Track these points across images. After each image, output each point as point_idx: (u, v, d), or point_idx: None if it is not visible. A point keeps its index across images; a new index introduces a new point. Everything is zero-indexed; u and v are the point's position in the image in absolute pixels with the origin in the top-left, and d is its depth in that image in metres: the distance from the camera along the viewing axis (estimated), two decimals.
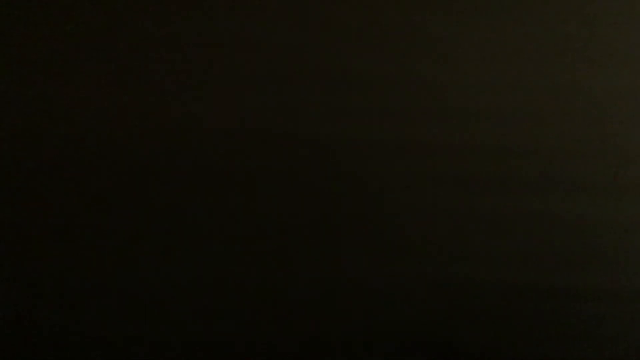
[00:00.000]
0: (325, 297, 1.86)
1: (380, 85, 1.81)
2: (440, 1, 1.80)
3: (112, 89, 1.81)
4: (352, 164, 1.83)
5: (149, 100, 1.81)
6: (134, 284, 1.86)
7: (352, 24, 1.80)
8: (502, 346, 1.88)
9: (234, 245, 1.85)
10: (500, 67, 1.81)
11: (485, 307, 1.87)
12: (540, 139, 1.83)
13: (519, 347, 1.88)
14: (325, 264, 1.85)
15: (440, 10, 1.80)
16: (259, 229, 1.85)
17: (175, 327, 1.87)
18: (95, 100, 1.81)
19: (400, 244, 1.85)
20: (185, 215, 1.85)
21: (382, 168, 1.83)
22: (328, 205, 1.84)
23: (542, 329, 1.87)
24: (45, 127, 1.82)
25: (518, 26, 1.80)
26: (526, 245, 1.85)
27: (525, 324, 1.87)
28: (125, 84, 1.81)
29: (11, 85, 1.79)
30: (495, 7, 1.80)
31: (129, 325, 1.87)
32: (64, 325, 1.87)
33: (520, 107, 1.82)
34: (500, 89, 1.81)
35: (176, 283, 1.86)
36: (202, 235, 1.85)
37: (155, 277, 1.86)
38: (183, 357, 1.89)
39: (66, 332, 1.87)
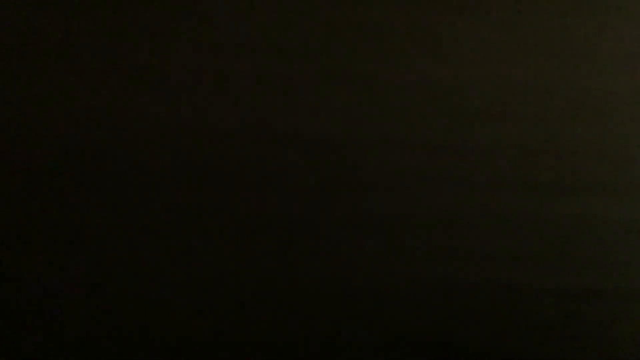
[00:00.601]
0: (325, 297, 1.87)
1: (380, 85, 1.81)
2: (441, 1, 1.80)
3: (112, 89, 1.81)
4: (351, 164, 1.83)
5: (149, 100, 1.81)
6: (134, 284, 1.86)
7: (352, 24, 1.80)
8: (502, 346, 1.88)
9: (235, 245, 1.85)
10: (501, 67, 1.81)
11: (485, 307, 1.87)
12: (540, 139, 1.83)
13: (519, 347, 1.88)
14: (325, 264, 1.85)
15: (441, 10, 1.80)
16: (259, 228, 1.85)
17: (175, 327, 1.87)
18: (94, 100, 1.81)
19: (400, 244, 1.85)
20: (185, 215, 1.85)
21: (382, 167, 1.83)
22: (328, 205, 1.84)
23: (541, 329, 1.87)
24: (45, 127, 1.82)
25: (518, 26, 1.80)
26: (526, 245, 1.85)
27: (525, 324, 1.87)
28: (125, 84, 1.81)
29: (11, 85, 1.79)
30: (496, 7, 1.80)
31: (129, 325, 1.87)
32: (64, 326, 1.87)
33: (520, 107, 1.82)
34: (500, 89, 1.81)
35: (176, 283, 1.86)
36: (203, 235, 1.85)
37: (155, 278, 1.86)
38: (183, 357, 1.89)
39: (66, 332, 1.87)
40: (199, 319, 1.88)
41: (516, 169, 1.83)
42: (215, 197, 1.84)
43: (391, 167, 1.83)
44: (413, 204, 1.84)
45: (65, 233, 1.85)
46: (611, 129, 1.82)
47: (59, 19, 1.79)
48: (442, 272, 1.85)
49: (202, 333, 1.89)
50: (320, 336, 1.88)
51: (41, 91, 1.80)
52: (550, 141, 1.83)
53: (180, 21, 1.80)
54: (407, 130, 1.82)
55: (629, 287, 1.86)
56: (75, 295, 1.87)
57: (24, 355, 1.88)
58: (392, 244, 1.85)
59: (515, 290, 1.86)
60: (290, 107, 1.82)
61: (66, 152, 1.82)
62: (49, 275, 1.86)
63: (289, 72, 1.81)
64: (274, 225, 1.85)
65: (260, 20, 1.80)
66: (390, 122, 1.82)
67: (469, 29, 1.80)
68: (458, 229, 1.84)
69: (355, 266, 1.85)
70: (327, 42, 1.81)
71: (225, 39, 1.81)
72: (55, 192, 1.83)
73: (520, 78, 1.82)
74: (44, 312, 1.87)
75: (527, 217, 1.84)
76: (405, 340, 1.87)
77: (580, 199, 1.84)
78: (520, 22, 1.80)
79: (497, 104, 1.82)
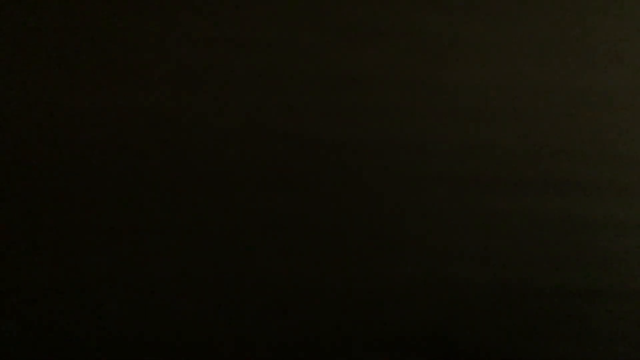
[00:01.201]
0: (325, 297, 1.87)
1: (380, 85, 1.81)
2: (441, 1, 1.80)
3: (113, 89, 1.81)
4: (351, 164, 1.83)
5: (149, 100, 1.81)
6: (135, 284, 1.86)
7: (352, 24, 1.80)
8: (502, 346, 1.88)
9: (235, 244, 1.86)
10: (501, 67, 1.81)
11: (485, 306, 1.87)
12: (540, 139, 1.83)
13: (519, 347, 1.88)
14: (325, 264, 1.86)
15: (441, 10, 1.80)
16: (259, 228, 1.85)
17: (176, 327, 1.87)
18: (95, 100, 1.81)
19: (400, 244, 1.85)
20: (184, 215, 1.85)
21: (382, 168, 1.83)
22: (328, 205, 1.84)
23: (542, 329, 1.87)
24: (45, 127, 1.82)
25: (518, 26, 1.80)
26: (526, 245, 1.85)
27: (525, 324, 1.87)
28: (125, 84, 1.81)
29: (11, 85, 1.79)
30: (496, 7, 1.80)
31: (129, 325, 1.87)
32: (64, 326, 1.87)
33: (520, 107, 1.82)
34: (500, 89, 1.81)
35: (177, 283, 1.87)
36: (204, 235, 1.85)
37: (156, 278, 1.86)
38: (183, 357, 1.89)
39: (66, 333, 1.87)
40: (198, 319, 1.88)
41: (516, 169, 1.83)
42: (215, 197, 1.84)
43: (391, 166, 1.83)
44: (413, 204, 1.84)
45: (65, 233, 1.85)
46: (611, 129, 1.82)
47: (58, 18, 1.79)
48: (442, 272, 1.85)
49: (202, 333, 1.89)
50: (320, 336, 1.88)
51: (37, 90, 1.81)
52: (550, 141, 1.83)
53: (179, 18, 1.80)
54: (407, 130, 1.82)
55: (629, 287, 1.86)
56: (75, 295, 1.87)
57: (24, 355, 1.88)
58: (392, 243, 1.85)
59: (515, 290, 1.86)
60: (290, 107, 1.82)
61: (66, 152, 1.82)
62: (49, 275, 1.86)
63: (289, 72, 1.81)
64: (273, 225, 1.85)
65: (260, 20, 1.80)
66: (391, 122, 1.82)
67: (469, 29, 1.80)
68: (458, 229, 1.84)
69: (355, 266, 1.86)
70: (327, 42, 1.81)
71: (225, 38, 1.81)
72: (55, 192, 1.84)
73: (520, 78, 1.82)
74: (44, 312, 1.87)
75: (527, 217, 1.84)
76: (405, 340, 1.88)
77: (580, 199, 1.84)
78: (520, 22, 1.80)
79: (497, 104, 1.82)
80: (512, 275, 1.86)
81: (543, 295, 1.87)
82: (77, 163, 1.83)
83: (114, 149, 1.82)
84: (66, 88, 1.81)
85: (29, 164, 1.83)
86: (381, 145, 1.83)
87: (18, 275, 1.86)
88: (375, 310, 1.87)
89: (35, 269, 1.86)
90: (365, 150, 1.83)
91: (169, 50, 1.80)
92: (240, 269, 1.86)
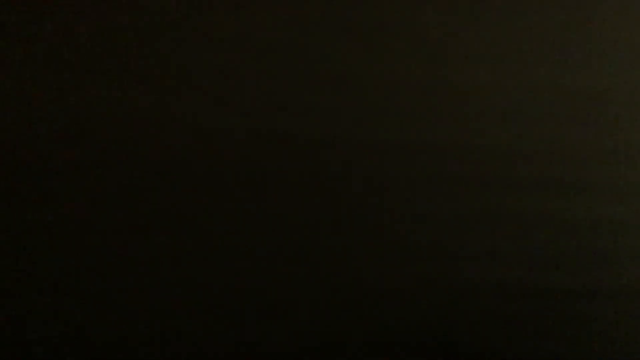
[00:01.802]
0: (326, 298, 1.87)
1: (380, 85, 1.81)
2: (441, 1, 1.80)
3: (112, 89, 1.81)
4: (351, 164, 1.83)
5: (149, 100, 1.81)
6: (134, 284, 1.86)
7: (352, 23, 1.80)
8: (502, 346, 1.88)
9: (235, 246, 1.86)
10: (500, 67, 1.81)
11: (485, 307, 1.87)
12: (540, 139, 1.83)
13: (519, 347, 1.88)
14: (325, 264, 1.86)
15: (441, 10, 1.80)
16: (259, 229, 1.85)
17: (176, 327, 1.87)
18: (95, 100, 1.81)
19: (400, 244, 1.85)
20: (184, 214, 1.85)
21: (382, 168, 1.83)
22: (328, 205, 1.84)
23: (542, 329, 1.87)
24: (45, 127, 1.82)
25: (518, 26, 1.81)
26: (526, 245, 1.85)
27: (525, 324, 1.87)
28: (125, 84, 1.81)
29: (11, 85, 1.79)
30: (496, 7, 1.80)
31: (128, 325, 1.87)
32: (64, 325, 1.87)
33: (520, 107, 1.82)
34: (500, 89, 1.81)
35: (177, 284, 1.86)
36: (204, 236, 1.85)
37: (154, 278, 1.86)
38: (183, 357, 1.89)
39: (66, 332, 1.87)
40: (198, 319, 1.88)
41: (516, 169, 1.83)
42: (215, 197, 1.84)
43: (391, 167, 1.83)
44: (413, 204, 1.84)
45: (65, 233, 1.85)
46: (611, 129, 1.83)
47: (56, 17, 1.79)
48: (443, 272, 1.85)
49: (202, 333, 1.89)
50: (320, 336, 1.88)
51: (37, 90, 1.81)
52: (550, 141, 1.83)
53: (178, 18, 1.80)
54: (407, 130, 1.82)
55: (629, 287, 1.86)
56: (75, 295, 1.87)
57: (24, 356, 1.88)
58: (392, 243, 1.85)
59: (515, 290, 1.86)
60: (289, 107, 1.82)
61: (66, 152, 1.82)
62: (49, 275, 1.86)
63: (289, 72, 1.81)
64: (273, 226, 1.85)
65: (260, 20, 1.80)
66: (391, 122, 1.82)
67: (469, 29, 1.80)
68: (458, 229, 1.84)
69: (355, 266, 1.86)
70: (327, 41, 1.81)
71: (225, 38, 1.81)
72: (55, 192, 1.84)
73: (520, 78, 1.82)
74: (44, 312, 1.87)
75: (526, 217, 1.84)
76: (405, 340, 1.88)
77: (580, 199, 1.84)
78: (520, 22, 1.80)
79: (497, 104, 1.82)
80: (512, 275, 1.86)
81: (543, 295, 1.87)
82: (77, 163, 1.83)
83: (114, 149, 1.82)
84: (66, 88, 1.81)
85: (29, 164, 1.83)
86: (381, 145, 1.83)
87: (18, 275, 1.86)
88: (376, 310, 1.87)
89: (35, 269, 1.86)
90: (365, 150, 1.83)
91: (169, 50, 1.80)
92: (239, 269, 1.86)
